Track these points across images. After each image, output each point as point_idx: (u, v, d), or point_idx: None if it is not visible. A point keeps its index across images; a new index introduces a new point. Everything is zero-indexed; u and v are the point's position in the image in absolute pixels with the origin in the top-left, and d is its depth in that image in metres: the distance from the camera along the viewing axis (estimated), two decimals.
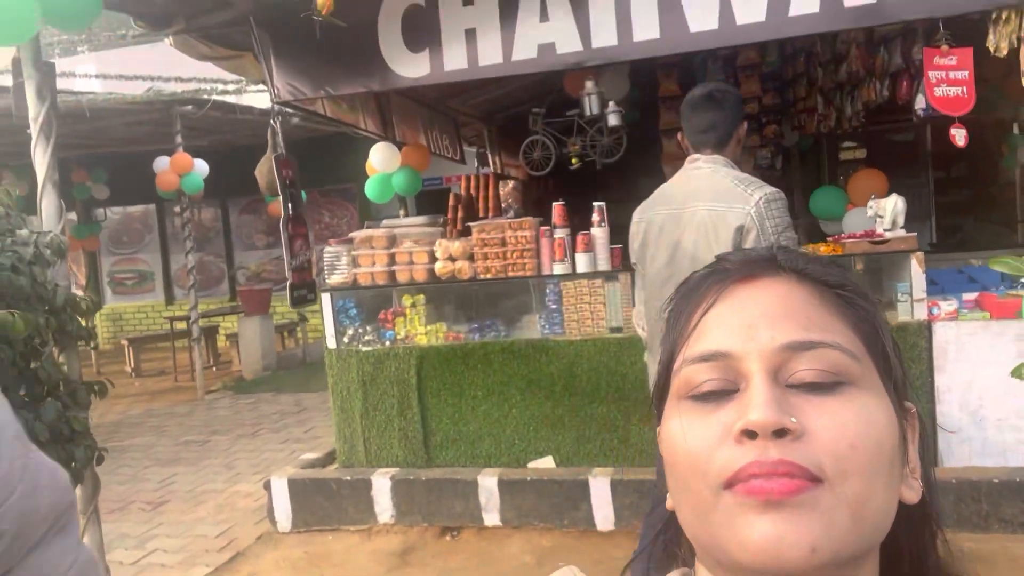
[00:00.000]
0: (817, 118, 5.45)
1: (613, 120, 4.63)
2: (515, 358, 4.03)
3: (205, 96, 7.69)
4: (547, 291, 4.01)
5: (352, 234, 4.29)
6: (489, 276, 4.07)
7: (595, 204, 3.97)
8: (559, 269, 3.98)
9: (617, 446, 3.97)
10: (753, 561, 0.45)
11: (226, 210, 12.03)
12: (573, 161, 5.18)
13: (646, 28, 3.66)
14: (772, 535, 0.44)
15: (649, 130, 6.19)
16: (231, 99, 7.70)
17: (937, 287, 3.81)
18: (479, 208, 6.67)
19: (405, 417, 4.21)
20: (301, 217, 4.38)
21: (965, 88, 3.39)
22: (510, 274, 4.04)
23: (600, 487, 3.83)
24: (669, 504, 0.56)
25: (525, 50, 3.81)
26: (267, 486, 4.21)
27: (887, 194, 3.82)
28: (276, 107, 4.37)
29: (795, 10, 3.46)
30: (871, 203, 3.88)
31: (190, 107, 7.64)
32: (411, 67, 4.01)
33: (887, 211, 3.73)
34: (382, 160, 5.44)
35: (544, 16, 3.77)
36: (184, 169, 7.74)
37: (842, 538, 0.45)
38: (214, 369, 9.65)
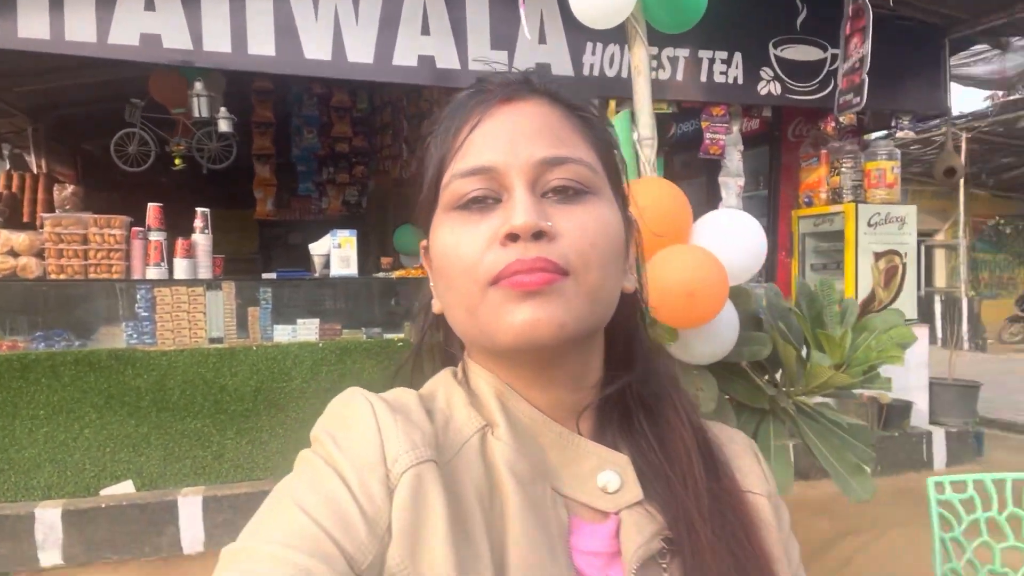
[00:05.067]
0: (400, 164, 6.11)
1: (224, 126, 4.51)
2: (92, 371, 3.56)
3: None
4: (137, 297, 3.68)
5: None
6: (63, 277, 3.56)
7: (198, 210, 3.82)
8: (154, 274, 3.70)
9: (211, 462, 3.79)
10: (516, 340, 0.53)
11: None
12: (177, 162, 4.84)
13: (262, 44, 3.75)
14: (531, 317, 0.52)
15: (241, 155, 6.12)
16: None
17: None
18: (25, 213, 5.65)
19: None
20: None
21: None
22: (92, 276, 3.59)
23: (190, 507, 3.60)
24: (437, 308, 0.62)
25: (125, 35, 3.54)
26: None
27: None
28: None
29: (397, 60, 3.96)
30: None
31: None
32: None
33: None
34: None
35: (149, 4, 3.57)
36: None
37: (583, 317, 0.54)
38: None
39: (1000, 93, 10.76)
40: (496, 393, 0.58)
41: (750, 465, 0.65)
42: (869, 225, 4.88)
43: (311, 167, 6.73)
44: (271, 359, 3.83)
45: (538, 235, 0.52)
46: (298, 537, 0.47)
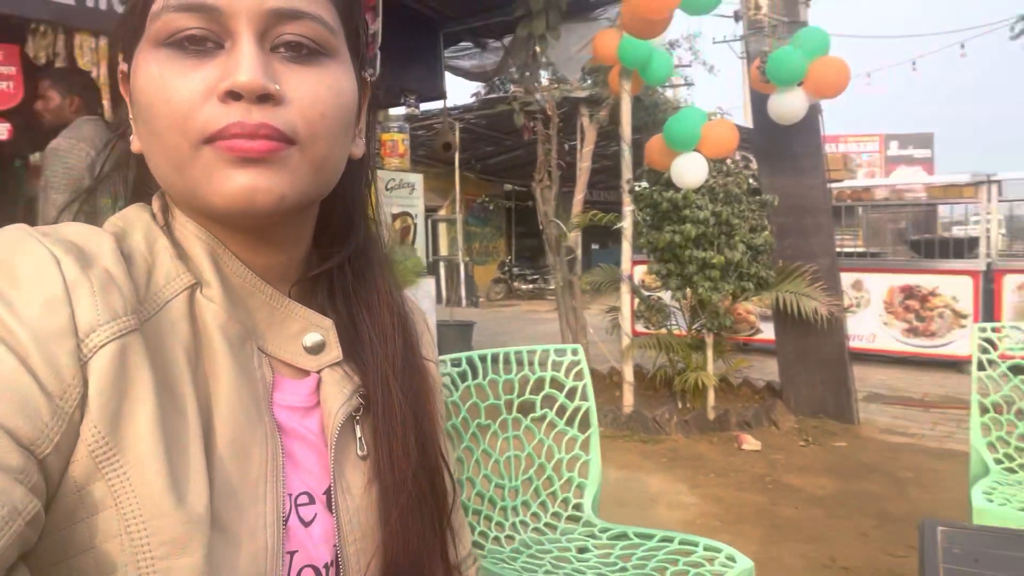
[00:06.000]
0: None
1: None
2: None
3: None
4: None
5: None
6: None
7: None
8: None
9: None
10: (231, 207, 0.49)
11: None
12: None
13: None
14: (248, 185, 0.48)
15: None
16: None
17: None
18: None
19: None
20: None
21: (12, 83, 3.66)
22: None
23: None
24: (136, 147, 0.54)
25: None
26: None
27: None
28: None
29: None
30: None
31: None
32: None
33: None
34: None
35: None
36: None
37: (305, 189, 0.51)
38: None
39: (482, 91, 12.97)
40: (208, 250, 0.54)
41: (423, 334, 0.69)
42: (387, 189, 5.49)
43: None
44: None
45: (264, 97, 0.48)
46: None
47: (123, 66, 0.54)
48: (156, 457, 0.44)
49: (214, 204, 0.49)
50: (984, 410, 2.49)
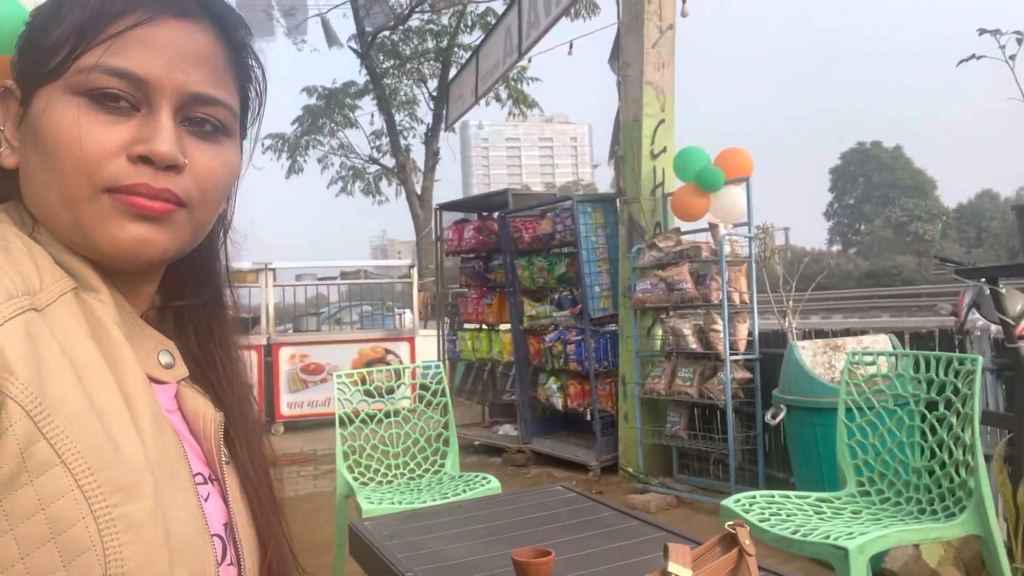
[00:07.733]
0: None
1: None
2: None
3: None
4: None
5: None
6: None
7: None
8: None
9: None
10: (116, 253, 0.54)
11: None
12: None
13: None
14: (139, 237, 0.54)
15: None
16: None
17: None
18: None
19: None
20: None
21: None
22: None
23: None
24: (11, 162, 0.56)
25: None
26: None
27: None
28: None
29: None
30: None
31: None
32: None
33: None
34: None
35: None
36: None
37: (184, 245, 0.59)
38: None
39: None
40: (91, 263, 0.57)
41: None
42: None
43: None
44: None
45: (172, 167, 0.54)
46: None
47: (10, 83, 0.57)
48: (87, 415, 0.48)
49: (101, 247, 0.54)
50: (344, 440, 3.25)
